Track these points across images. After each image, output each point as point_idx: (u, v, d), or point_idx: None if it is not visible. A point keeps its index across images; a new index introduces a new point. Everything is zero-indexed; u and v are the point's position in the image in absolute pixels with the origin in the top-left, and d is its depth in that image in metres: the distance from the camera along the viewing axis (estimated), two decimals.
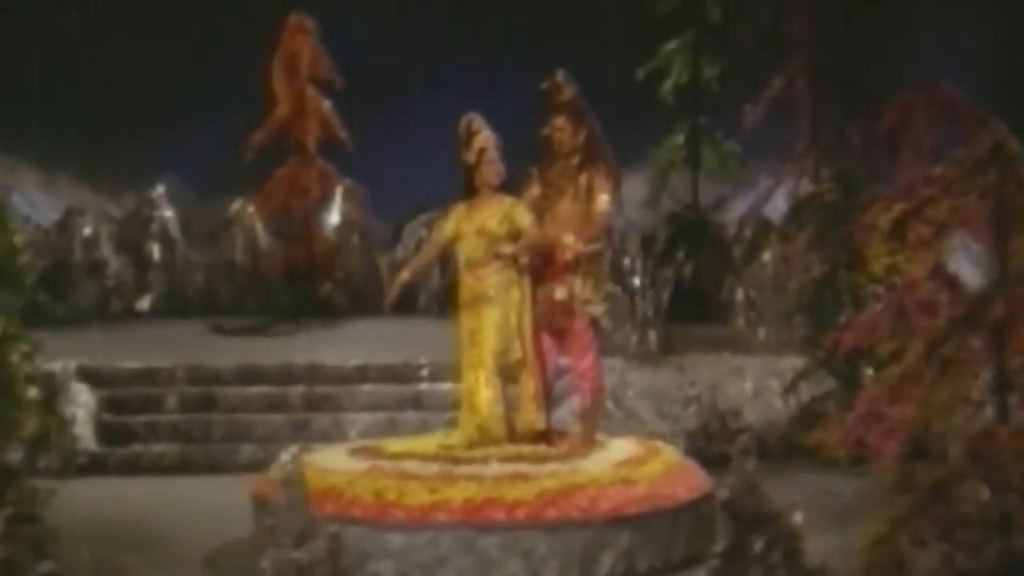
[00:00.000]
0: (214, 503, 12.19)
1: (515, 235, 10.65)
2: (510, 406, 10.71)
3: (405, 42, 22.53)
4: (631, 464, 10.30)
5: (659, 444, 11.26)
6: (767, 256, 17.38)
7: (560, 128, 10.85)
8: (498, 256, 10.60)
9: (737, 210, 18.97)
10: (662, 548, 9.97)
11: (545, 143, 10.90)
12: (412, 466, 10.13)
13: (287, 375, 14.96)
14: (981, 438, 9.04)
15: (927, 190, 12.45)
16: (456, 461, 10.16)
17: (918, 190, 12.57)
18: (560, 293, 10.82)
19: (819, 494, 12.10)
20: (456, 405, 11.55)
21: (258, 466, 12.07)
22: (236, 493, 11.07)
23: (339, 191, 20.76)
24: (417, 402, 14.64)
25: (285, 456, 8.12)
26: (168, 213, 21.64)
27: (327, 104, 19.99)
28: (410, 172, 20.86)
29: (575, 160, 10.88)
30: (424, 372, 14.81)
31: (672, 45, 19.29)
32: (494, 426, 10.59)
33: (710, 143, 19.33)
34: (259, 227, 21.21)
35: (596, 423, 11.05)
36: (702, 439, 13.92)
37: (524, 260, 10.69)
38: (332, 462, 10.46)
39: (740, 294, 15.82)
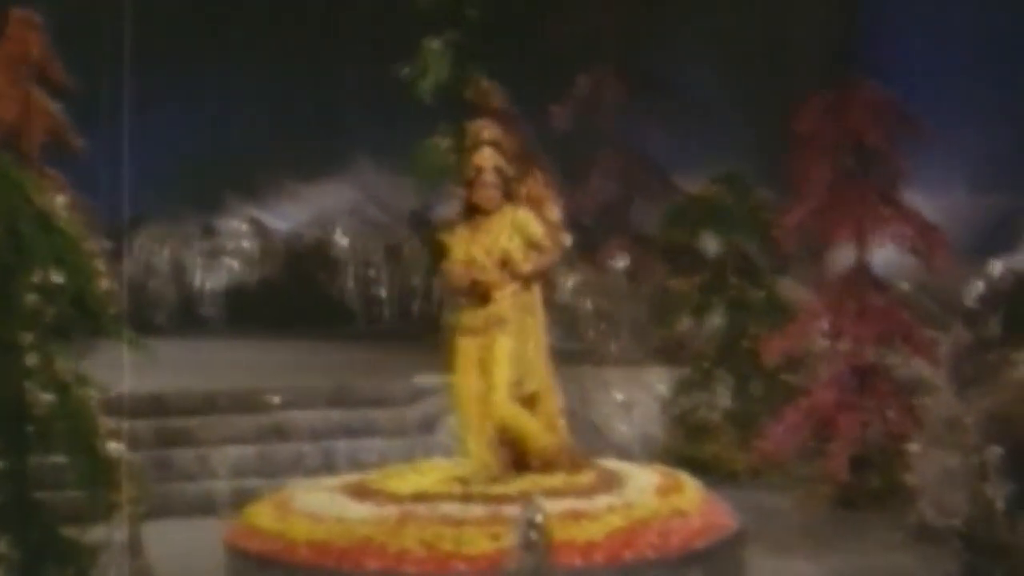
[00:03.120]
0: None
1: (526, 247, 9.66)
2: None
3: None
4: (669, 493, 9.56)
5: (662, 467, 10.54)
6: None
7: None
8: (516, 277, 9.57)
9: None
10: None
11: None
12: (451, 509, 9.04)
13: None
14: None
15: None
16: (497, 500, 9.10)
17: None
18: None
19: (764, 514, 11.62)
20: None
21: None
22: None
23: (59, 202, 18.77)
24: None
25: (527, 514, 6.88)
26: None
27: (57, 107, 18.08)
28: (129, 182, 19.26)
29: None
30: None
31: (434, 44, 18.41)
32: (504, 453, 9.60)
33: None
34: None
35: None
36: None
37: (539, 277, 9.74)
38: (342, 509, 9.24)
39: (589, 304, 15.18)
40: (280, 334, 18.33)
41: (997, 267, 12.87)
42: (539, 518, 6.65)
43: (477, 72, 18.34)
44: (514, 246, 9.66)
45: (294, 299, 19.55)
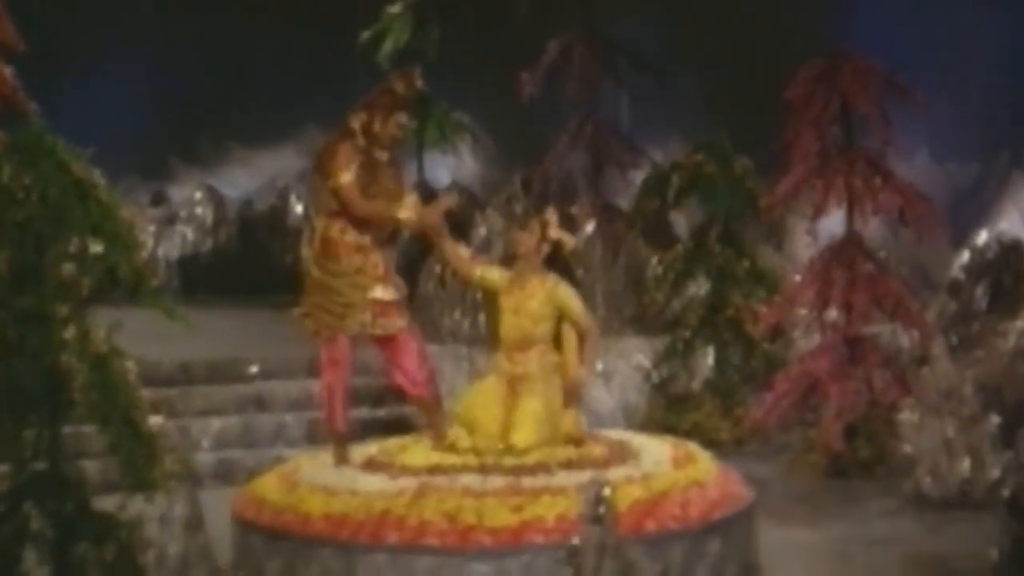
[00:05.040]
0: None
1: (557, 318, 9.42)
2: None
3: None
4: (684, 463, 9.49)
5: (672, 437, 10.46)
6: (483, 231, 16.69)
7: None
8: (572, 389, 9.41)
9: None
10: (742, 552, 9.30)
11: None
12: (470, 480, 8.90)
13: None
14: None
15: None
16: (516, 471, 8.97)
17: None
18: (380, 292, 9.62)
19: (756, 483, 11.57)
20: None
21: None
22: None
23: None
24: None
25: (589, 486, 6.76)
26: None
27: (8, 71, 17.66)
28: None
29: (385, 157, 9.66)
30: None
31: (394, 8, 18.24)
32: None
33: (437, 112, 18.40)
34: None
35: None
36: None
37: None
38: (354, 481, 9.08)
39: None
40: (237, 302, 18.05)
41: (982, 236, 12.94)
42: (607, 491, 6.52)
43: (436, 37, 18.23)
44: (544, 314, 9.40)
45: (248, 267, 19.27)
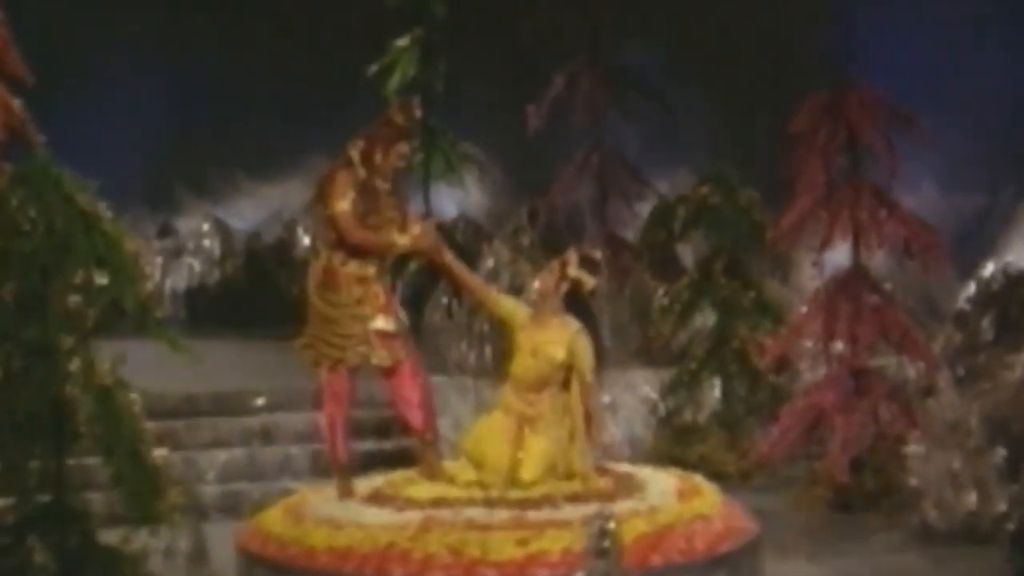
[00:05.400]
0: None
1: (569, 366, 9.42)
2: None
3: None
4: (690, 496, 9.46)
5: (678, 470, 10.43)
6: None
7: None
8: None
9: None
10: None
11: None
12: (475, 514, 8.89)
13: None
14: None
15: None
16: (521, 504, 8.97)
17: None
18: (381, 323, 9.59)
19: (761, 516, 11.54)
20: None
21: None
22: None
23: None
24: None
25: (594, 519, 6.74)
26: None
27: (16, 103, 17.71)
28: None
29: (387, 187, 9.63)
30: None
31: (402, 42, 18.29)
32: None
33: (443, 144, 18.43)
34: None
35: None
36: None
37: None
38: (360, 515, 9.08)
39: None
40: (244, 334, 18.09)
41: (988, 268, 12.91)
42: (611, 525, 6.51)
43: (443, 69, 18.28)
44: (560, 360, 9.37)
45: (255, 299, 19.29)
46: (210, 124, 20.89)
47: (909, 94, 13.62)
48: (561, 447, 9.33)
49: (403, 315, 9.77)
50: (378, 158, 9.45)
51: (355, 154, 9.47)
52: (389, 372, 9.61)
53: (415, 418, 9.66)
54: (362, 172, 9.45)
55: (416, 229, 9.60)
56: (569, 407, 9.41)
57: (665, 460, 12.48)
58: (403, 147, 9.57)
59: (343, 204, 9.36)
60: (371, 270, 9.48)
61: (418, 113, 9.72)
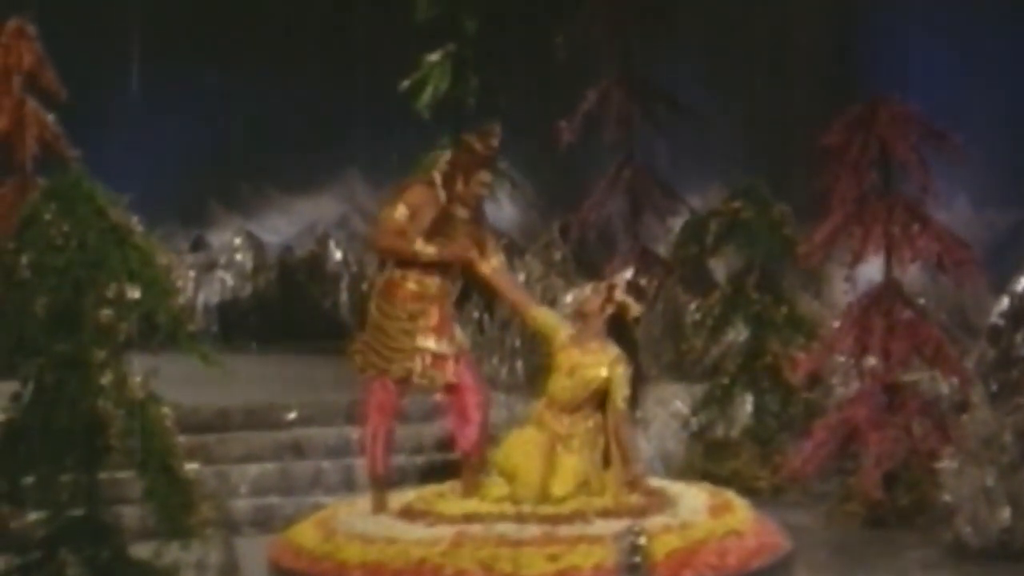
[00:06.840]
0: None
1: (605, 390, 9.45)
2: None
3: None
4: (721, 512, 9.44)
5: (709, 485, 10.40)
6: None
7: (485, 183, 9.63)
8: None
9: None
10: None
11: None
12: (506, 529, 8.90)
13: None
14: None
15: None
16: (552, 520, 8.97)
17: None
18: (432, 343, 9.55)
19: (793, 532, 11.50)
20: None
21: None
22: None
23: None
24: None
25: (625, 534, 6.73)
26: None
27: (50, 118, 17.84)
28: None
29: (466, 214, 9.60)
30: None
31: (433, 57, 18.32)
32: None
33: None
34: None
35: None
36: None
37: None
38: (391, 530, 9.10)
39: None
40: (276, 348, 18.14)
41: (1021, 283, 12.87)
42: (643, 540, 6.49)
43: (475, 84, 18.29)
44: (598, 382, 9.41)
45: (288, 313, 19.34)
46: (243, 138, 20.94)
47: (944, 108, 13.59)
48: (594, 466, 9.34)
49: (461, 337, 9.77)
50: (459, 185, 9.44)
51: (438, 176, 9.48)
52: (449, 389, 9.63)
53: (466, 438, 9.68)
54: (443, 195, 9.45)
55: (495, 262, 9.62)
56: (602, 427, 9.43)
57: (697, 475, 12.43)
58: (484, 175, 9.53)
59: (393, 211, 9.39)
60: (432, 289, 9.50)
61: (497, 141, 9.59)
